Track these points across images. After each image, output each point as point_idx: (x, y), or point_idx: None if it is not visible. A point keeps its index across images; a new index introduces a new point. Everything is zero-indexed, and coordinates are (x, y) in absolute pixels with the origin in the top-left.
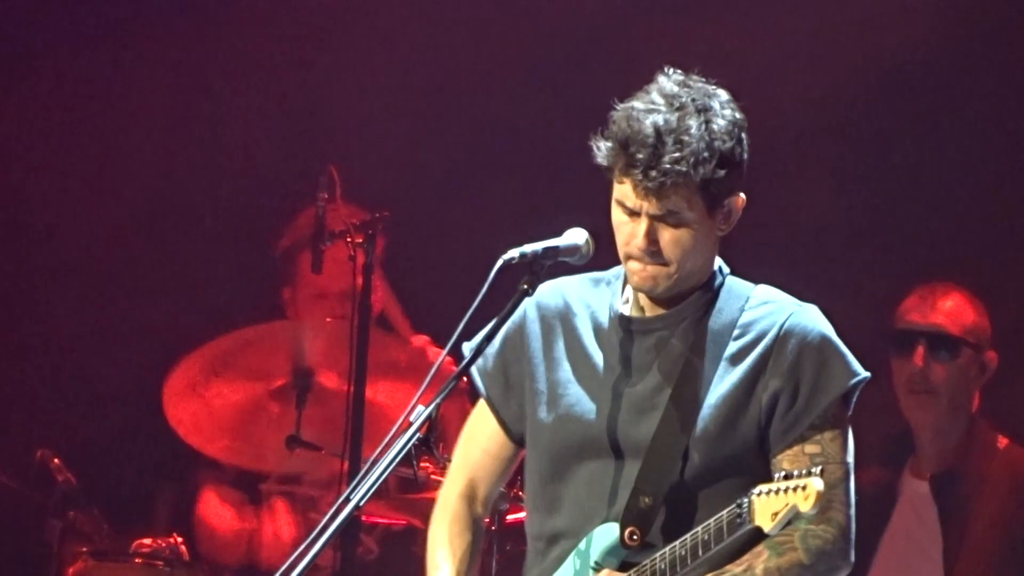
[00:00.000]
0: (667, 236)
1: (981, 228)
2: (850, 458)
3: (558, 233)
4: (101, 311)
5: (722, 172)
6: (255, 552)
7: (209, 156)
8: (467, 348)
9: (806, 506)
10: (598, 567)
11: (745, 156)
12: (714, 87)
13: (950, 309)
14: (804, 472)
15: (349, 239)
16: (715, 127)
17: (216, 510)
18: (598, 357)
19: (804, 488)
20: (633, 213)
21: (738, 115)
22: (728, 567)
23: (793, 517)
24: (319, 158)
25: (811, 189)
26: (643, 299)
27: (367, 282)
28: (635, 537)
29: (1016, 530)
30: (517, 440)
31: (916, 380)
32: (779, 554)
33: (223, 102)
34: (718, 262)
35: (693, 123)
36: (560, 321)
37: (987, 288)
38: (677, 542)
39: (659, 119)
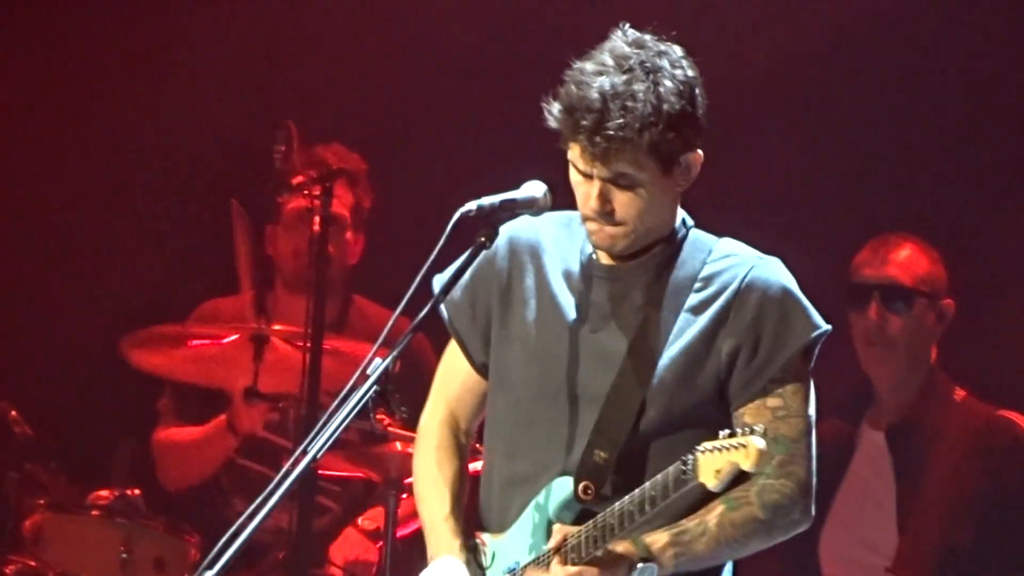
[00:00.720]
0: (620, 198)
1: (942, 181)
2: (812, 411)
3: (517, 186)
4: (60, 265)
5: (671, 134)
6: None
7: (170, 111)
8: (436, 281)
9: (747, 464)
10: (549, 521)
11: (699, 113)
12: (667, 45)
13: (903, 260)
14: (747, 430)
15: (306, 192)
16: (663, 89)
17: (178, 431)
18: (564, 300)
19: (745, 447)
20: (586, 176)
21: (690, 72)
22: (683, 521)
23: (741, 474)
24: (280, 113)
25: (774, 142)
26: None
27: (324, 234)
28: (589, 491)
29: (969, 483)
30: (484, 372)
31: (872, 333)
32: (734, 508)
33: (181, 59)
34: (682, 215)
35: (640, 87)
36: (531, 257)
37: (948, 241)
38: (626, 498)
39: (606, 83)
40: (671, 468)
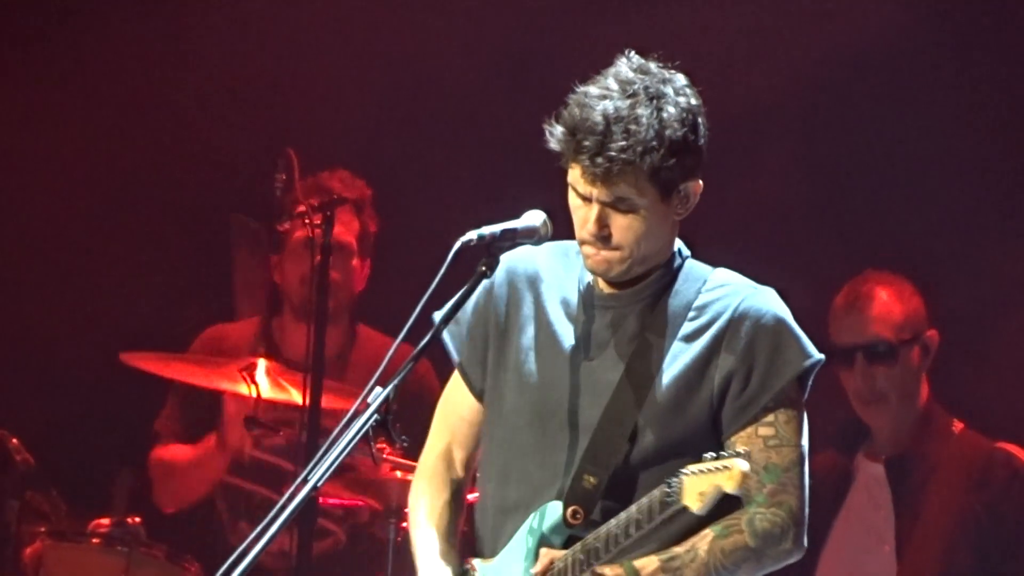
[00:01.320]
0: (618, 222)
1: (928, 212)
2: (804, 441)
3: (518, 215)
4: (61, 293)
5: (672, 160)
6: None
7: (171, 136)
8: (436, 316)
9: (730, 486)
10: (541, 546)
11: (701, 142)
12: (671, 73)
13: (877, 314)
14: (732, 453)
15: (307, 220)
16: (666, 115)
17: (172, 450)
18: (561, 328)
19: (729, 469)
20: (585, 199)
21: (693, 101)
22: (673, 548)
23: (730, 500)
24: (279, 140)
25: (770, 171)
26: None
27: (325, 263)
28: (578, 516)
29: (968, 515)
30: (482, 401)
31: (863, 392)
32: (724, 536)
33: (183, 85)
34: (678, 245)
35: (644, 111)
36: (529, 287)
37: (939, 271)
38: (612, 520)
39: (609, 106)
40: (656, 491)
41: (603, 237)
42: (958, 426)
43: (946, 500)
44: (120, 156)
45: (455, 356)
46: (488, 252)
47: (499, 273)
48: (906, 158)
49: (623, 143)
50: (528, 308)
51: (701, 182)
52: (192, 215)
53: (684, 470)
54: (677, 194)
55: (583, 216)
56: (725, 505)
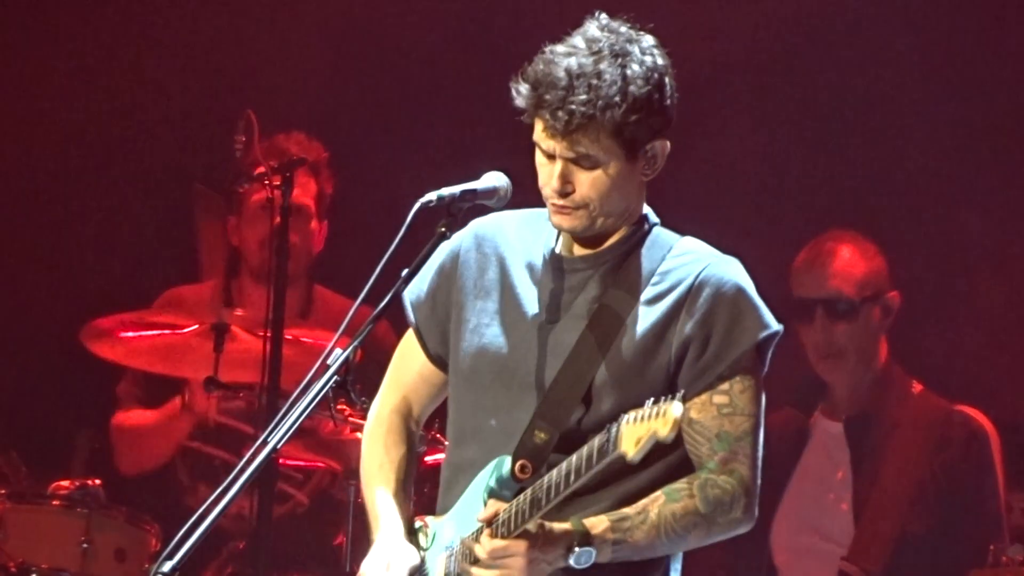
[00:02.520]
0: (582, 178)
1: (889, 173)
2: (760, 412)
3: (478, 177)
4: (22, 257)
5: (635, 116)
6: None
7: (131, 100)
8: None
9: (664, 431)
10: (488, 498)
11: (668, 102)
12: (639, 33)
13: (841, 269)
14: (668, 398)
15: (267, 182)
16: (630, 72)
17: (134, 415)
18: (525, 292)
19: (664, 415)
20: (548, 155)
21: (660, 61)
22: (625, 510)
23: (695, 465)
24: (239, 103)
25: (730, 134)
26: (570, 239)
27: (284, 224)
28: (526, 470)
29: (926, 474)
30: (439, 365)
31: (821, 346)
32: (675, 500)
33: (143, 49)
34: (647, 211)
35: (607, 68)
36: (495, 254)
37: (893, 233)
38: (554, 470)
39: (573, 62)
40: (595, 438)
41: (566, 193)
42: (917, 387)
43: (904, 461)
44: (82, 121)
45: (411, 317)
46: (448, 213)
47: (467, 238)
48: (868, 120)
49: (584, 97)
50: (493, 273)
51: (668, 143)
52: (154, 179)
53: (623, 417)
54: (643, 154)
55: (548, 172)
56: (679, 471)
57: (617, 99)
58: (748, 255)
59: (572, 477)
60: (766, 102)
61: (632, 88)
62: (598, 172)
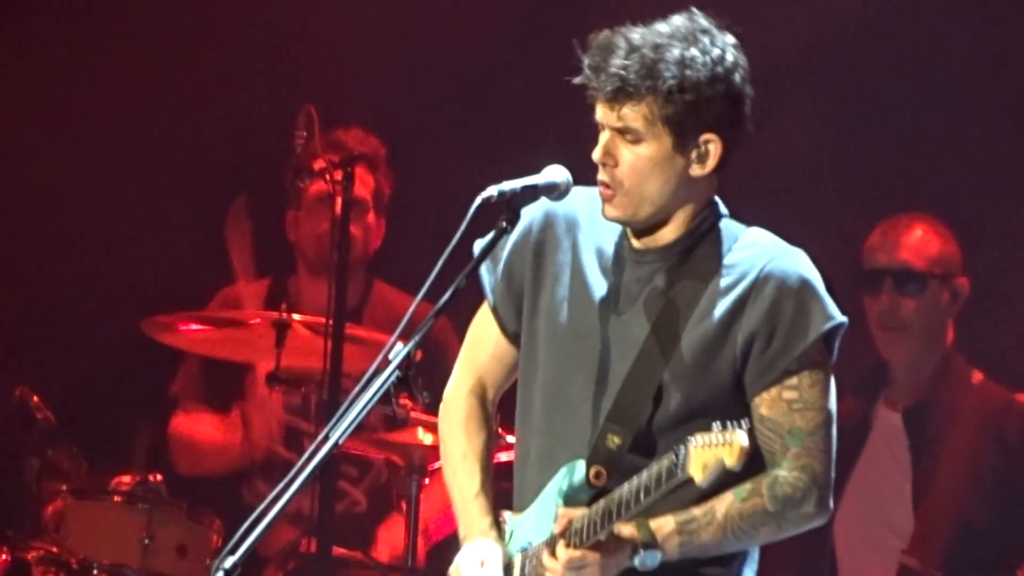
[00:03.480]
0: (624, 154)
1: (963, 161)
2: (831, 405)
3: (538, 171)
4: (81, 249)
5: (686, 99)
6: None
7: (189, 97)
8: (477, 246)
9: (730, 461)
10: (561, 503)
11: (730, 100)
12: (721, 31)
13: (914, 243)
14: (735, 425)
15: (328, 177)
16: (690, 54)
17: (193, 424)
18: (594, 279)
19: (731, 444)
20: (601, 127)
21: (729, 58)
22: (692, 509)
23: (768, 463)
24: (300, 97)
25: (796, 128)
26: (638, 232)
27: (346, 219)
28: (600, 476)
29: (985, 465)
30: (514, 341)
31: (886, 317)
32: (744, 499)
33: (202, 44)
34: (715, 202)
35: (670, 46)
36: (567, 233)
37: (969, 222)
38: (626, 484)
39: (637, 36)
40: (664, 459)
41: (606, 165)
42: (977, 376)
43: (963, 451)
44: (139, 118)
45: (489, 295)
46: (508, 208)
47: (538, 215)
48: (937, 110)
49: (636, 66)
50: (564, 255)
51: (721, 144)
52: (213, 175)
53: (691, 440)
54: (693, 145)
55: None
56: (750, 468)
57: (667, 75)
58: (810, 246)
59: (642, 495)
60: (829, 92)
61: (688, 72)
62: (640, 149)
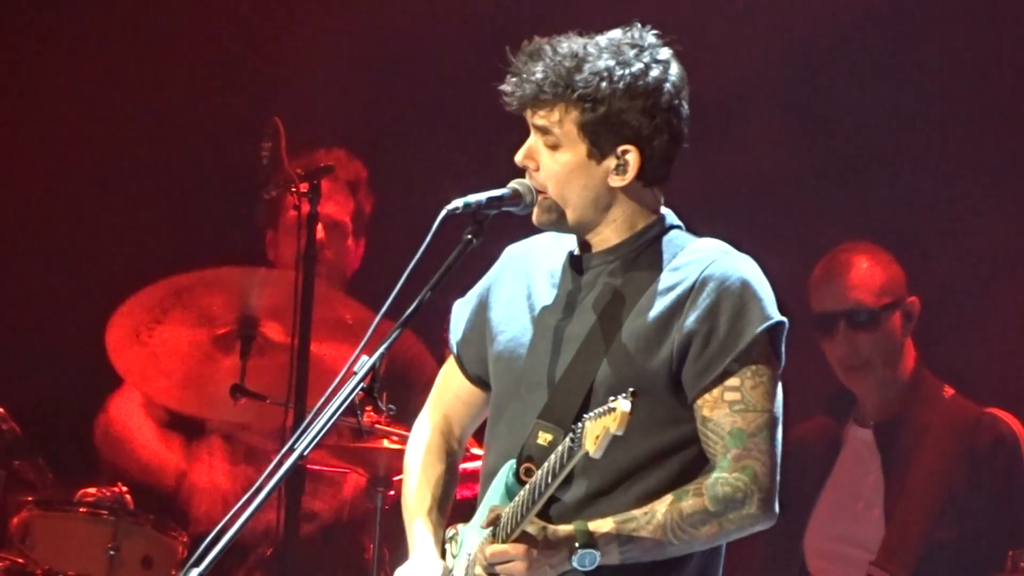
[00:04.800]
0: (545, 160)
1: (913, 183)
2: (775, 406)
3: (504, 185)
4: (47, 260)
5: (600, 111)
6: (186, 496)
7: (155, 110)
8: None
9: (615, 427)
10: (496, 508)
11: (650, 113)
12: (654, 46)
13: (859, 279)
14: (623, 395)
15: (294, 189)
16: (612, 65)
17: (135, 424)
18: (542, 296)
19: (615, 411)
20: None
21: (654, 72)
22: (632, 511)
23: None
24: (269, 111)
25: (753, 144)
26: (580, 243)
27: (311, 232)
28: (531, 472)
29: (956, 480)
30: (478, 385)
31: (847, 358)
32: (683, 499)
33: (169, 56)
34: (665, 213)
35: (595, 58)
36: (523, 270)
37: (924, 241)
38: (538, 471)
39: (566, 45)
40: (566, 439)
41: (531, 170)
42: (948, 392)
43: (933, 465)
44: (106, 128)
45: (452, 344)
46: (474, 220)
47: (501, 262)
48: (890, 130)
49: (547, 71)
50: (519, 287)
51: (640, 154)
52: (180, 186)
53: (587, 414)
54: (613, 156)
55: None
56: (695, 469)
57: (581, 86)
58: (773, 265)
59: (550, 478)
60: (783, 112)
61: (604, 84)
62: (558, 154)
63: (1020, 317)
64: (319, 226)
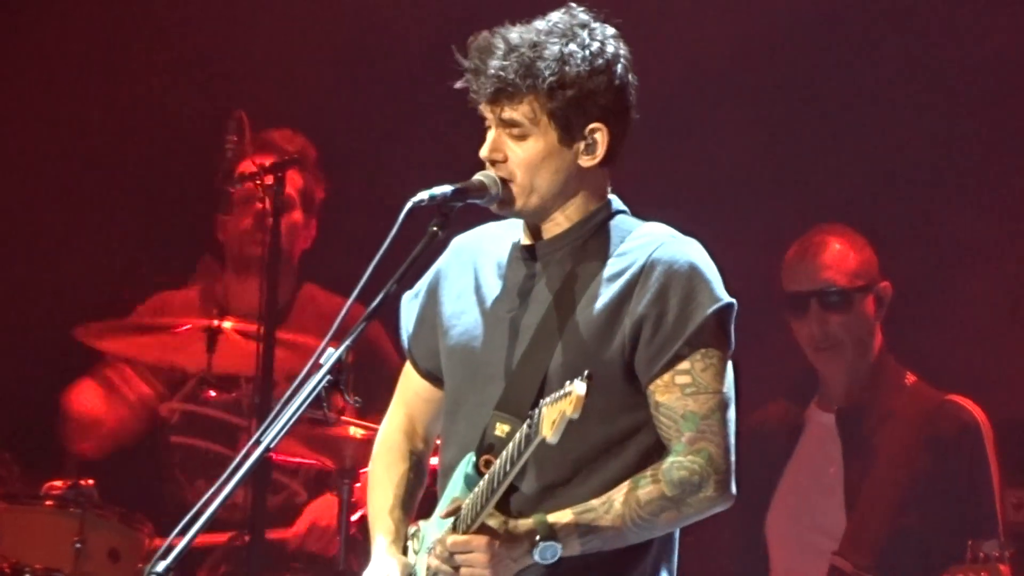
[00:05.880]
0: (512, 148)
1: (884, 169)
2: (726, 388)
3: (469, 176)
4: (13, 256)
5: (568, 93)
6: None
7: (120, 103)
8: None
9: (570, 410)
10: (457, 500)
11: (613, 90)
12: (599, 22)
13: (833, 260)
14: (581, 378)
15: (259, 181)
16: (569, 50)
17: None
18: (489, 287)
19: (570, 394)
20: (488, 125)
21: (610, 49)
22: (591, 501)
23: (667, 449)
24: (231, 104)
25: (722, 132)
26: (531, 229)
27: (276, 224)
28: (490, 464)
29: (917, 466)
30: (432, 381)
31: (818, 339)
32: (640, 485)
33: (131, 52)
34: (611, 199)
35: (548, 43)
36: (470, 261)
37: (886, 228)
38: (497, 461)
39: (515, 35)
40: (524, 425)
41: (494, 161)
42: (911, 379)
43: (895, 452)
44: (68, 126)
45: (403, 338)
46: (439, 212)
47: (448, 254)
48: (858, 115)
49: (508, 63)
50: (467, 279)
51: (608, 131)
52: (143, 182)
53: (543, 400)
54: (580, 136)
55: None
56: (653, 456)
57: (547, 72)
58: (738, 252)
59: (508, 466)
60: (754, 99)
61: (568, 67)
62: (528, 143)
63: (983, 305)
64: (266, 201)
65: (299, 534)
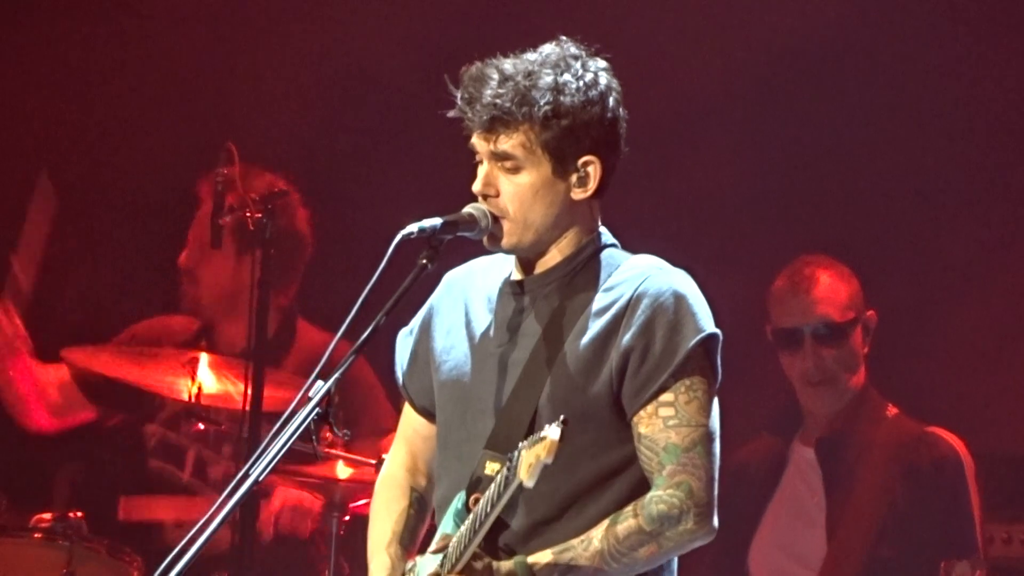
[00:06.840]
0: (504, 183)
1: (865, 203)
2: (710, 421)
3: (459, 209)
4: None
5: (562, 124)
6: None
7: (108, 134)
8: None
9: (545, 455)
10: (447, 537)
11: (605, 123)
12: (591, 56)
13: (824, 294)
14: (557, 423)
15: (248, 213)
16: (563, 80)
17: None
18: (480, 323)
19: (544, 439)
20: (480, 159)
21: (602, 80)
22: (571, 540)
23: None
24: (221, 136)
25: (709, 163)
26: (525, 264)
27: (266, 256)
28: (478, 502)
29: (897, 498)
30: (427, 417)
31: (812, 373)
32: (618, 521)
33: (122, 81)
34: (601, 231)
35: (542, 73)
36: (461, 296)
37: (873, 261)
38: (481, 501)
39: (509, 65)
40: (504, 469)
41: (491, 198)
42: (892, 411)
43: (874, 483)
44: (59, 152)
45: (398, 376)
46: (429, 245)
47: (440, 289)
48: (844, 149)
49: (503, 92)
50: (458, 315)
51: (600, 164)
52: (132, 211)
53: (521, 443)
54: (573, 168)
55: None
56: (642, 490)
57: (542, 102)
58: (724, 284)
59: (489, 508)
60: (741, 132)
61: (563, 97)
62: (520, 177)
63: (968, 338)
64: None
65: (272, 512)
